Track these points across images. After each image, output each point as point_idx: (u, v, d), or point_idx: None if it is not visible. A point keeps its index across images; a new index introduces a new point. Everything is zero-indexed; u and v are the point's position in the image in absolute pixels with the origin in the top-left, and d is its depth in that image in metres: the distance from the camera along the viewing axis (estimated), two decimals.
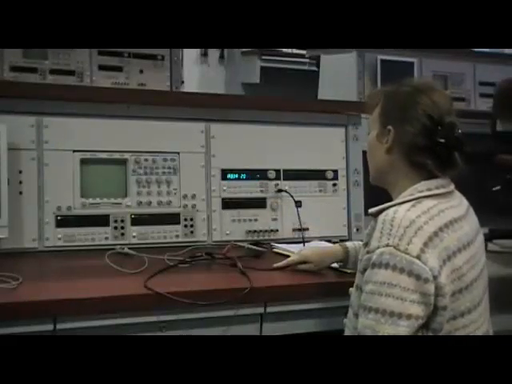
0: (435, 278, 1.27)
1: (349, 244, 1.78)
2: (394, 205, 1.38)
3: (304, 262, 1.77)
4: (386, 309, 1.26)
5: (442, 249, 1.30)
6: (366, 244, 1.40)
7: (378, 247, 1.31)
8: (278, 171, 2.26)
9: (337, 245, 1.81)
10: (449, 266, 1.30)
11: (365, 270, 1.34)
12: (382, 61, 3.17)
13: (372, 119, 1.52)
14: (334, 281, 1.72)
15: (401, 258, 1.27)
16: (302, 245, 2.07)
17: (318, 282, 1.71)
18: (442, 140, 1.37)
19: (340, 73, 3.20)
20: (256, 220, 2.20)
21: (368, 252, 1.35)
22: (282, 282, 1.70)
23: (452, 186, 1.45)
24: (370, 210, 1.44)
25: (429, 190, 1.39)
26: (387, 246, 1.29)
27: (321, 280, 1.72)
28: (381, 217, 1.36)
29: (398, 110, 1.43)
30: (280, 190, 2.23)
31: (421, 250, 1.28)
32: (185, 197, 2.13)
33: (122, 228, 2.04)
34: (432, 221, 1.32)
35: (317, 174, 2.31)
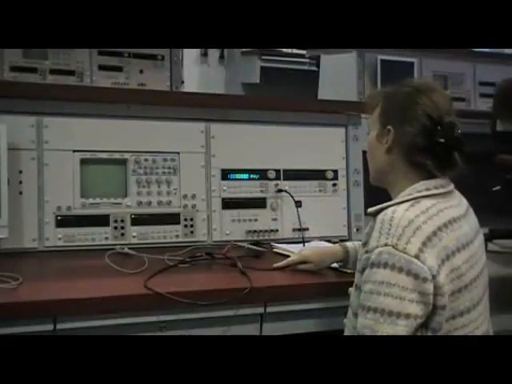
0: (434, 277, 1.27)
1: (349, 244, 1.78)
2: (393, 204, 1.38)
3: (304, 262, 1.77)
4: (385, 308, 1.26)
5: (441, 248, 1.30)
6: (365, 244, 1.40)
7: (377, 247, 1.31)
8: (277, 171, 2.26)
9: (337, 245, 1.81)
10: (448, 266, 1.30)
11: (364, 269, 1.34)
12: (382, 61, 3.17)
13: (372, 119, 1.52)
14: (334, 281, 1.72)
15: (399, 257, 1.27)
16: (301, 245, 2.07)
17: (318, 282, 1.71)
18: (442, 140, 1.37)
19: (340, 73, 3.19)
20: (256, 220, 2.20)
21: (367, 252, 1.35)
22: (281, 282, 1.70)
23: (451, 186, 1.45)
24: (369, 210, 1.44)
25: (427, 189, 1.39)
26: (386, 245, 1.29)
27: (320, 280, 1.72)
28: (379, 216, 1.36)
29: (397, 111, 1.43)
30: (280, 190, 2.23)
31: (419, 249, 1.28)
32: (185, 197, 2.13)
33: (122, 228, 2.04)
34: (431, 220, 1.32)
35: (317, 174, 2.31)
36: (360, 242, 1.68)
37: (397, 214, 1.33)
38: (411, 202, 1.37)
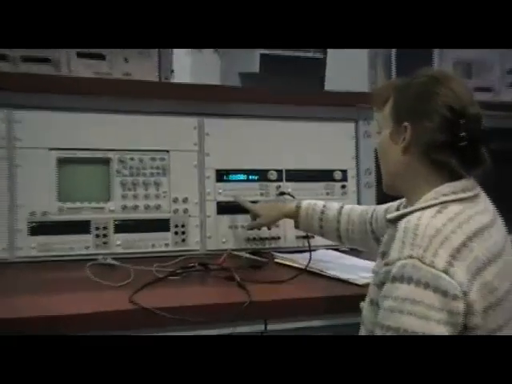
0: (465, 294, 1.24)
1: (306, 201, 1.98)
2: (417, 210, 1.36)
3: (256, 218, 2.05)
4: (408, 329, 1.23)
5: (472, 261, 1.28)
6: (384, 254, 1.38)
7: (399, 259, 1.28)
8: (279, 172, 2.27)
9: (294, 201, 2.03)
10: (479, 280, 1.27)
11: (383, 283, 1.32)
12: None
13: (383, 117, 1.50)
14: (343, 294, 1.70)
15: (425, 271, 1.24)
16: (307, 254, 2.05)
17: (326, 295, 1.69)
18: (467, 134, 1.35)
19: (350, 61, 3.18)
20: None
21: (387, 264, 1.32)
22: (284, 296, 1.69)
23: (478, 189, 1.43)
24: (389, 216, 1.42)
25: (454, 193, 1.36)
26: (410, 257, 1.26)
27: (328, 293, 1.71)
28: (401, 224, 1.33)
29: (413, 104, 1.41)
30: (282, 193, 2.23)
31: (448, 262, 1.25)
32: (175, 200, 2.14)
33: (105, 236, 2.04)
34: (460, 229, 1.30)
35: (323, 175, 2.32)
36: (322, 202, 1.94)
37: (422, 221, 1.30)
38: (437, 207, 1.34)
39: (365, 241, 1.89)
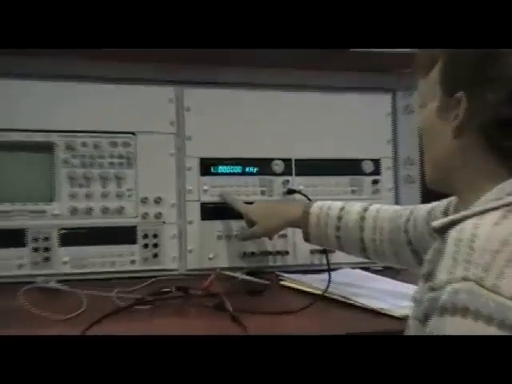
0: None
1: (317, 205, 1.97)
2: (472, 215, 1.35)
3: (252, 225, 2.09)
4: None
5: None
6: (429, 276, 1.37)
7: (450, 282, 1.27)
8: (287, 162, 2.29)
9: (300, 203, 2.02)
10: None
11: (427, 316, 1.31)
12: None
13: (428, 85, 1.50)
14: (374, 330, 1.69)
15: (487, 299, 1.23)
16: (325, 274, 2.05)
17: (349, 332, 1.68)
18: None
19: None
20: None
21: (432, 289, 1.31)
22: (293, 332, 1.68)
23: None
24: (434, 224, 1.41)
25: None
26: (465, 280, 1.25)
27: (353, 329, 1.70)
28: (452, 234, 1.32)
29: (470, 67, 1.40)
30: (291, 191, 2.26)
31: None
32: (145, 201, 2.16)
33: (47, 250, 2.06)
34: None
35: (348, 167, 2.36)
36: (340, 204, 1.93)
37: (481, 230, 1.29)
38: (501, 210, 1.32)
39: (399, 255, 1.87)
